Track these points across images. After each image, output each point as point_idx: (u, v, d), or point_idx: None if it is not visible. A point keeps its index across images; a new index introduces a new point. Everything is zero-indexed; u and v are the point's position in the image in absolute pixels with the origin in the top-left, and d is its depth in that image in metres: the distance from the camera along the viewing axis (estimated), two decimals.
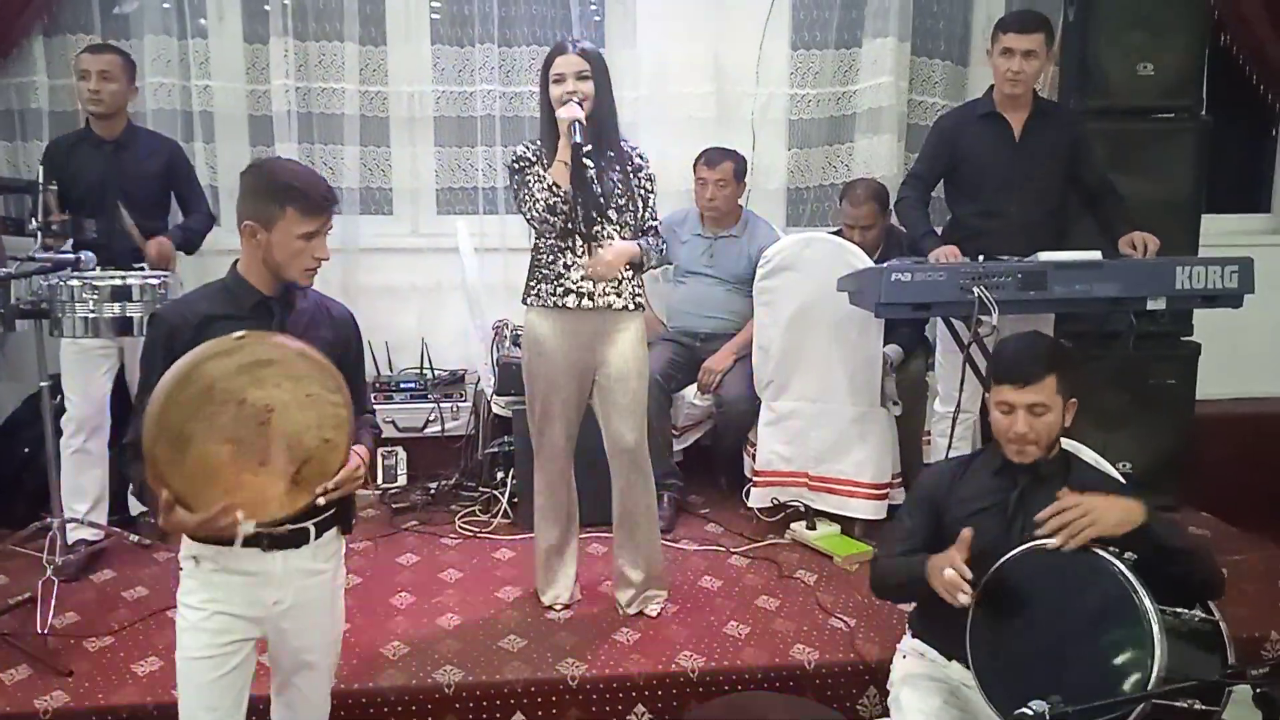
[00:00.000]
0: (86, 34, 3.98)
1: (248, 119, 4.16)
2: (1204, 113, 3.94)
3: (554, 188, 2.75)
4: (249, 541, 1.94)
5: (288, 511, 1.88)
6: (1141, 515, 1.98)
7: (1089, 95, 3.82)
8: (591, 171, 2.75)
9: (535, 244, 2.95)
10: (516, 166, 2.88)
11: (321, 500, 1.89)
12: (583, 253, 2.84)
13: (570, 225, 2.83)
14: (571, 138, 2.70)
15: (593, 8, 4.34)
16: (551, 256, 2.88)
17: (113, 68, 3.41)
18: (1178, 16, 3.81)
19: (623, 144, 2.94)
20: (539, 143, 2.90)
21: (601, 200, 2.80)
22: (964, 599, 2.00)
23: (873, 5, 4.31)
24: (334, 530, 2.09)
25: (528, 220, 2.85)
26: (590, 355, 2.93)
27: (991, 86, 3.38)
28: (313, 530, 2.01)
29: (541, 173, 2.80)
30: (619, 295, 2.88)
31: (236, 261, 2.03)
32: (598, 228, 2.84)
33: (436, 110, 4.28)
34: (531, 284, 2.93)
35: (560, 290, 2.85)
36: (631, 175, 2.91)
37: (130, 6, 4.04)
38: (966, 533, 2.07)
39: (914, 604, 2.43)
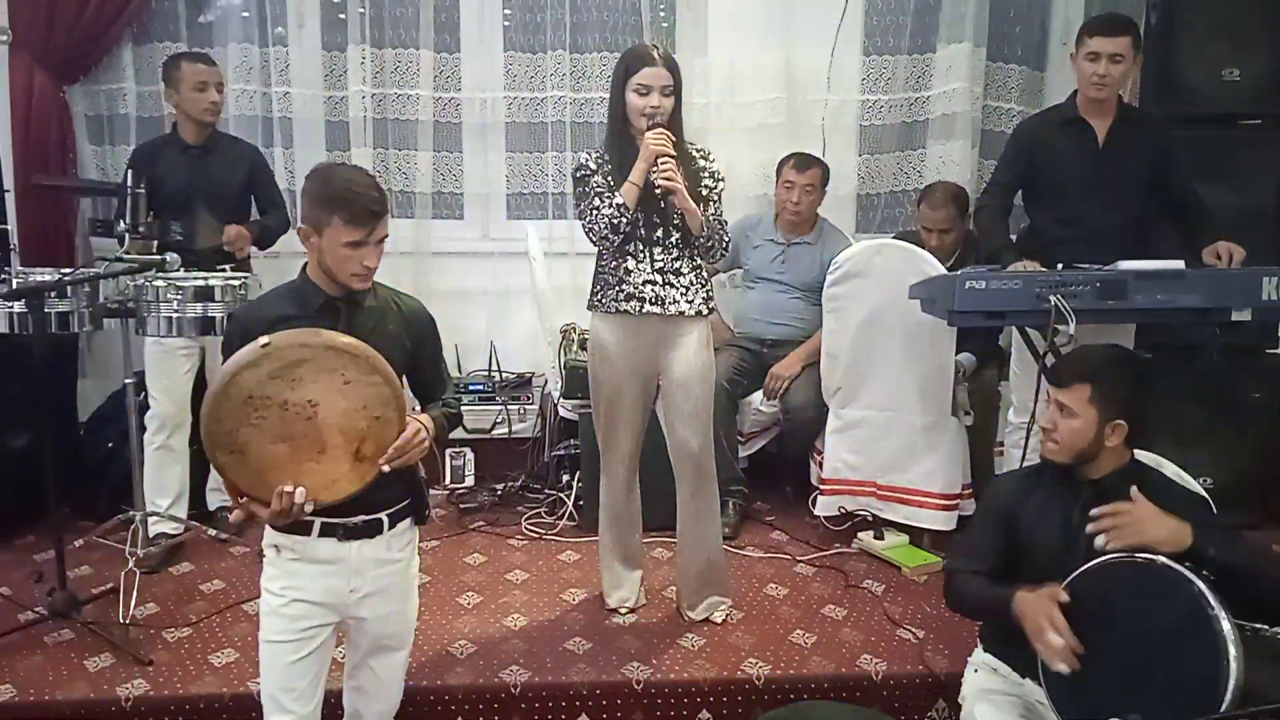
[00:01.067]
0: (174, 42, 4.11)
1: (325, 125, 4.26)
2: None
3: (621, 208, 2.74)
4: (326, 531, 2.04)
5: (358, 487, 1.97)
6: (1189, 539, 1.94)
7: (1172, 102, 3.73)
8: (656, 178, 2.72)
9: (598, 250, 2.95)
10: (579, 176, 2.88)
11: (386, 468, 1.97)
12: (644, 258, 2.84)
13: (633, 230, 2.82)
14: (652, 167, 2.69)
15: (663, 14, 4.35)
16: (614, 262, 2.87)
17: (220, 78, 3.58)
18: (1263, 22, 3.70)
19: (687, 146, 2.92)
20: (601, 150, 2.89)
21: (661, 214, 2.81)
22: (1061, 668, 1.95)
23: (947, 10, 4.26)
24: (408, 521, 2.16)
25: (586, 233, 2.86)
26: (654, 361, 2.93)
27: (1075, 91, 3.30)
28: (386, 520, 2.09)
29: (601, 183, 2.80)
30: (688, 301, 2.87)
31: (306, 264, 2.09)
32: (659, 233, 2.84)
33: (508, 116, 4.33)
34: (596, 289, 2.94)
35: (623, 296, 2.85)
36: (697, 174, 2.87)
37: (215, 15, 4.15)
38: (1064, 596, 2.01)
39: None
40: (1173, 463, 2.44)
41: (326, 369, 1.91)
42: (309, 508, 1.94)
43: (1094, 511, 2.01)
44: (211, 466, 2.10)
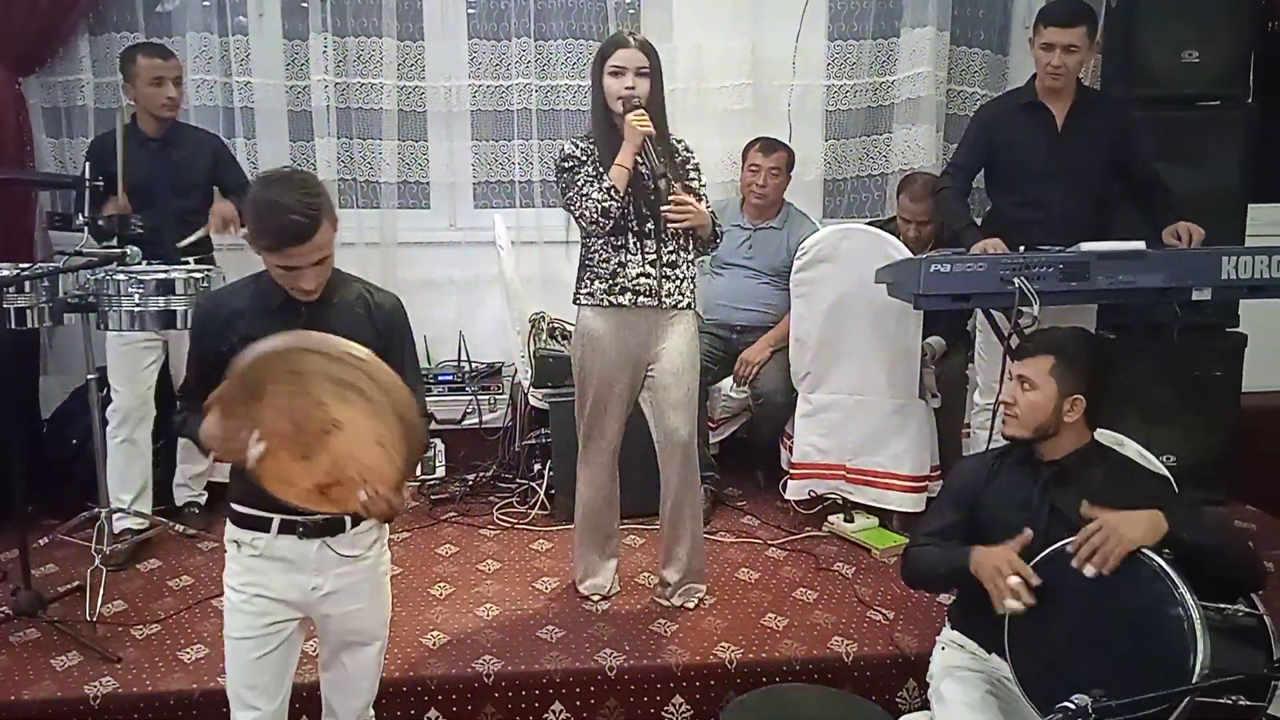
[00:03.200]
0: (131, 32, 4.05)
1: (287, 114, 4.20)
2: (1251, 101, 3.87)
3: (612, 191, 2.73)
4: (285, 529, 2.00)
5: (300, 503, 1.92)
6: (1165, 525, 1.96)
7: (1133, 84, 3.76)
8: (647, 174, 2.75)
9: (585, 242, 2.92)
10: (566, 166, 2.86)
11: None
12: (637, 250, 2.83)
13: (623, 222, 2.82)
14: (639, 149, 2.70)
15: (628, 0, 4.34)
16: (604, 255, 2.86)
17: (179, 71, 3.51)
18: (1223, 4, 3.74)
19: (672, 141, 2.92)
20: (588, 139, 2.88)
21: (650, 204, 2.80)
22: (1014, 605, 1.98)
23: None
24: (372, 520, 2.09)
25: (577, 220, 2.84)
26: (644, 352, 2.92)
27: (1034, 75, 3.34)
28: (348, 520, 2.04)
29: (592, 172, 2.79)
30: (681, 294, 2.88)
31: None
32: (650, 224, 2.84)
33: (473, 104, 4.30)
34: (584, 283, 2.91)
35: (616, 289, 2.84)
36: (682, 168, 2.89)
37: (173, 4, 4.09)
38: (1027, 534, 2.06)
39: (954, 597, 2.42)
40: (1137, 441, 2.47)
41: (379, 418, 1.82)
42: (258, 452, 1.84)
43: (1070, 547, 1.98)
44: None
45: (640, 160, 2.75)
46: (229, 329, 1.96)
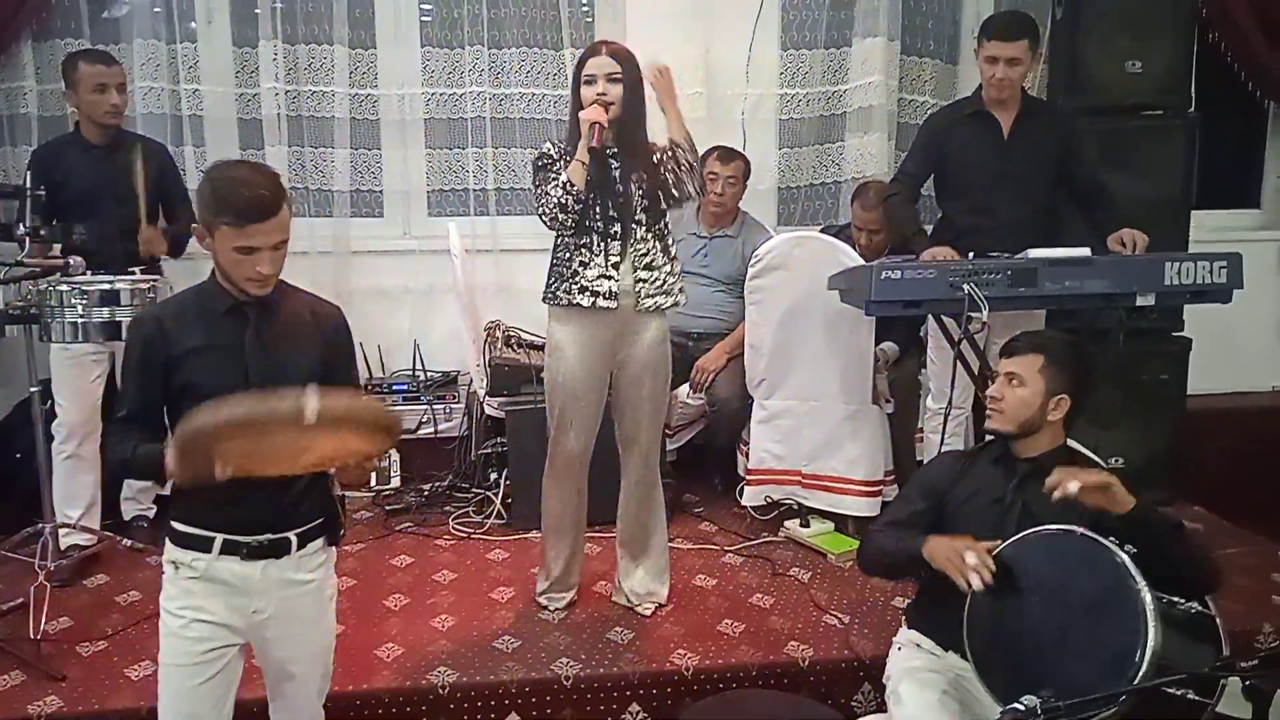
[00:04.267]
0: (75, 39, 3.97)
1: (237, 123, 4.16)
2: (1192, 110, 3.97)
3: (567, 185, 2.74)
4: (228, 549, 1.93)
5: (285, 467, 1.83)
6: (1132, 500, 2.02)
7: (1078, 93, 3.84)
8: (616, 172, 2.76)
9: (555, 242, 2.93)
10: (540, 164, 2.88)
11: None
12: (600, 251, 2.83)
13: (587, 224, 2.82)
14: (589, 140, 2.70)
15: (583, 9, 4.35)
16: (567, 254, 2.86)
17: (123, 78, 3.46)
18: (1165, 15, 3.83)
19: (651, 145, 2.91)
20: (564, 144, 2.89)
21: (617, 205, 2.80)
22: (976, 581, 2.00)
23: (862, 5, 4.32)
24: (320, 541, 2.04)
25: (540, 216, 2.84)
26: (609, 359, 2.92)
27: (980, 85, 3.39)
28: (295, 540, 1.98)
29: (559, 172, 2.80)
30: (665, 292, 2.87)
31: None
32: (617, 228, 2.84)
33: (427, 113, 4.28)
34: (550, 281, 2.91)
35: (575, 289, 2.83)
36: (657, 163, 2.87)
37: (120, 11, 4.03)
38: (996, 544, 2.08)
39: (910, 598, 2.44)
40: (1085, 446, 2.52)
41: (347, 437, 1.78)
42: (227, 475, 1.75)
43: (1048, 487, 2.02)
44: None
45: (612, 159, 2.74)
46: (173, 340, 1.91)
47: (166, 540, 1.98)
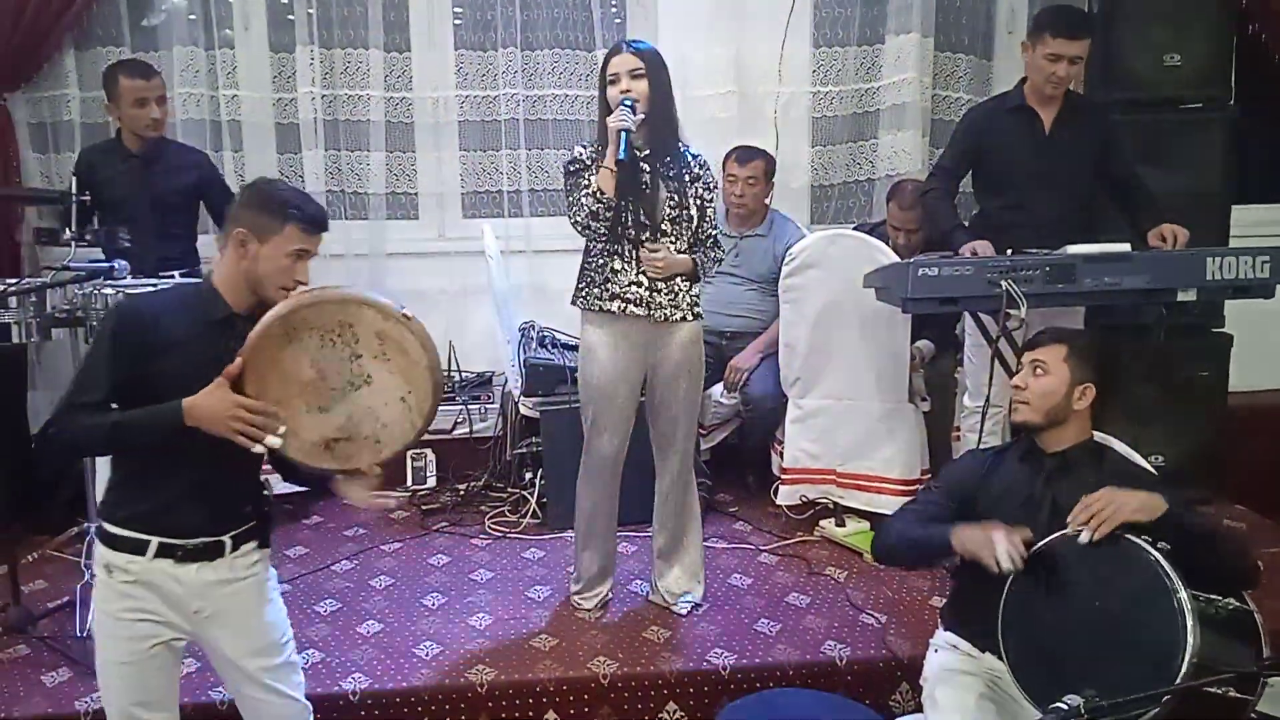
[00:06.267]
0: (117, 46, 4.05)
1: (274, 127, 4.21)
2: (1232, 103, 3.90)
3: (598, 194, 2.73)
4: (163, 552, 1.95)
5: (298, 457, 1.94)
6: (1163, 505, 2.00)
7: (1116, 88, 3.79)
8: (646, 178, 2.77)
9: (587, 245, 2.93)
10: (571, 169, 2.88)
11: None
12: (631, 259, 2.84)
13: (620, 230, 2.82)
14: (618, 147, 2.69)
15: (614, 9, 4.36)
16: (600, 261, 2.87)
17: (162, 90, 3.51)
18: (1204, 7, 3.77)
19: (683, 149, 2.89)
20: (597, 145, 2.88)
21: (649, 212, 2.80)
22: (1006, 561, 2.00)
23: (895, 1, 4.29)
24: (253, 544, 2.07)
25: (573, 223, 2.84)
26: (642, 363, 2.92)
27: (1022, 79, 3.35)
28: (229, 543, 2.01)
29: (590, 178, 2.80)
30: (676, 307, 2.87)
31: (211, 272, 2.02)
32: (648, 235, 2.83)
33: (461, 115, 4.32)
34: (581, 286, 2.92)
35: (606, 295, 2.84)
36: (690, 184, 2.87)
37: (159, 18, 4.09)
38: (1026, 532, 2.07)
39: (945, 598, 2.43)
40: (1124, 441, 2.49)
41: (410, 378, 1.93)
42: (276, 444, 1.88)
43: (1071, 518, 2.03)
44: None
45: (624, 163, 2.73)
46: (150, 334, 1.91)
47: (97, 543, 1.99)
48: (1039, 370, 2.23)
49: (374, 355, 1.91)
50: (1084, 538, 1.98)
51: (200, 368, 1.88)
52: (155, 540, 1.94)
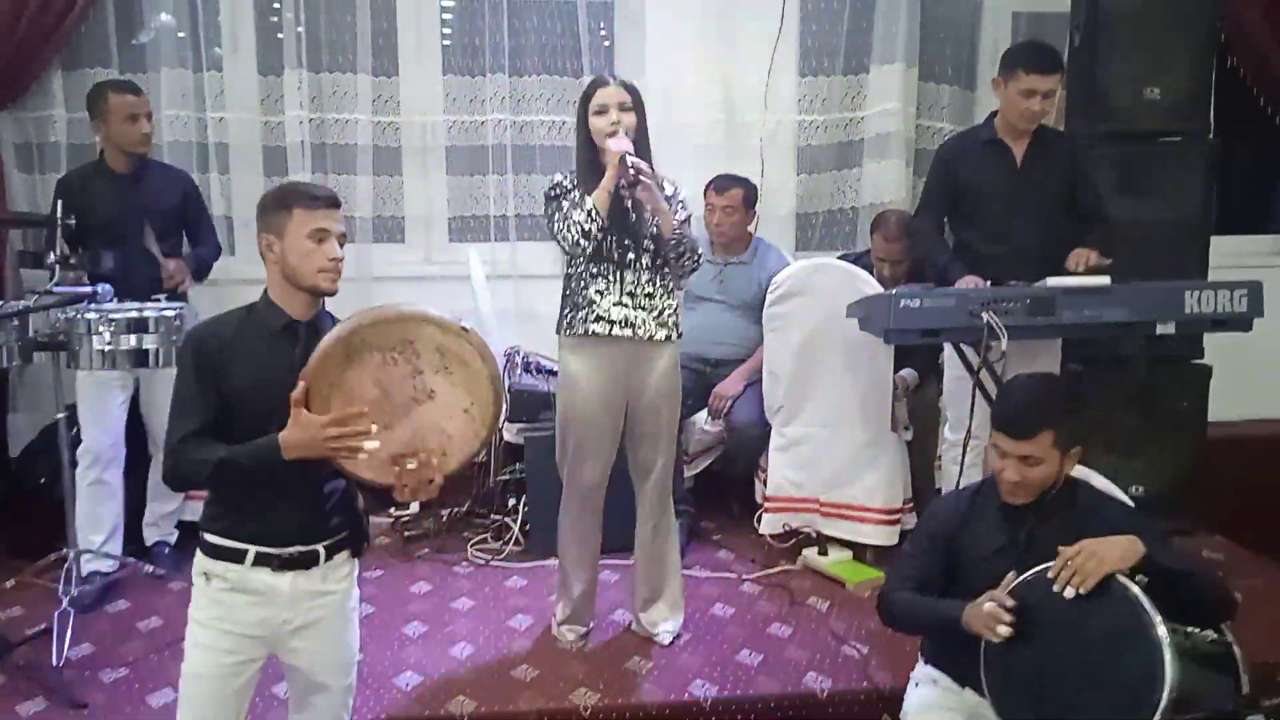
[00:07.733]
0: (104, 68, 4.03)
1: (262, 150, 4.20)
2: (1212, 135, 3.95)
3: (593, 213, 2.76)
4: (260, 561, 2.00)
5: (368, 475, 1.96)
6: (1141, 548, 2.00)
7: (1096, 119, 3.82)
8: (628, 202, 2.79)
9: (568, 272, 2.95)
10: (554, 194, 2.90)
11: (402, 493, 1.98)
12: (615, 280, 2.85)
13: (604, 253, 2.84)
14: (622, 171, 2.71)
15: (602, 35, 4.38)
16: (582, 283, 2.88)
17: (149, 107, 3.52)
18: (1184, 40, 3.80)
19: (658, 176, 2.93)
20: (573, 174, 2.92)
21: (632, 234, 2.83)
22: (1004, 630, 2.02)
23: (880, 31, 4.34)
24: (345, 553, 2.13)
25: (559, 242, 2.86)
26: (623, 389, 2.92)
27: (993, 113, 3.39)
28: (323, 552, 2.06)
29: (577, 200, 2.81)
30: (661, 325, 2.89)
31: (267, 288, 2.08)
32: (631, 257, 2.85)
33: (448, 140, 4.32)
34: (564, 311, 2.93)
35: (591, 317, 2.85)
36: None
37: (147, 38, 4.09)
38: (1010, 576, 2.09)
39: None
40: (1103, 473, 2.51)
41: (472, 390, 1.96)
42: (373, 446, 1.91)
43: (1050, 573, 2.03)
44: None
45: (623, 190, 2.76)
46: (228, 354, 1.98)
47: (198, 552, 2.05)
48: (1030, 462, 2.15)
49: (435, 370, 1.95)
50: (1068, 594, 1.98)
51: (272, 377, 1.96)
52: (253, 549, 1.99)
